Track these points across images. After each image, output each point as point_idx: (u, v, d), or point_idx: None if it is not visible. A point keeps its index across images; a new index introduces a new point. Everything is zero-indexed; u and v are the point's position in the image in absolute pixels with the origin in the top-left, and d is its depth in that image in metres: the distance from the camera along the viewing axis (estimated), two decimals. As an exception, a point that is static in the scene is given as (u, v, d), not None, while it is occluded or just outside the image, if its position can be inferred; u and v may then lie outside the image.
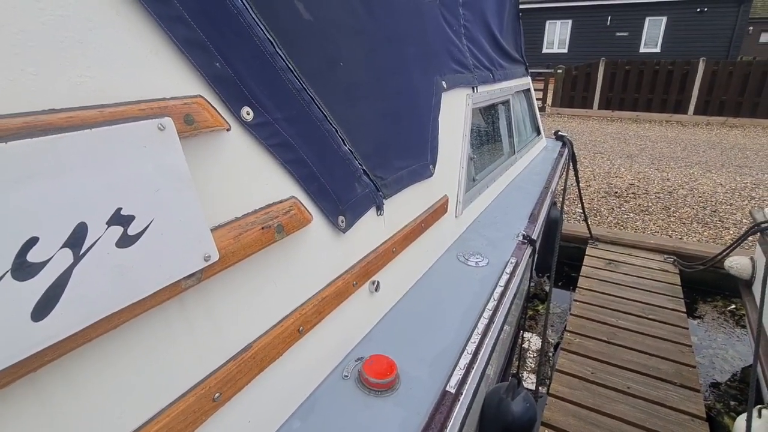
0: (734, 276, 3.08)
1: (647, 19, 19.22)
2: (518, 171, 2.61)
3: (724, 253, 3.30)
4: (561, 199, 3.67)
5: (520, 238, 1.72)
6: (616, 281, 3.61)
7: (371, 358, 0.98)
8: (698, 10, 18.05)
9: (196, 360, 0.67)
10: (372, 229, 1.13)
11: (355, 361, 1.02)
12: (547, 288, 4.22)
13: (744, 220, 4.86)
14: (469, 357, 1.03)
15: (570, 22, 20.58)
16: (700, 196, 5.68)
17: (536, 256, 1.78)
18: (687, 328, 2.98)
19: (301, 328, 0.86)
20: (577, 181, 3.96)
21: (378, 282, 1.13)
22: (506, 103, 2.50)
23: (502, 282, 1.37)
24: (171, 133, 0.57)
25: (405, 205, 1.30)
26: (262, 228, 0.74)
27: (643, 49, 19.45)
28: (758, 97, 10.80)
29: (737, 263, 3.03)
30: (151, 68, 0.61)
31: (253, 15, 0.75)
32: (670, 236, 4.52)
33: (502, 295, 1.31)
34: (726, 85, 11.01)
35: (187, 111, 0.61)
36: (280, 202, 0.82)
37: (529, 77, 3.09)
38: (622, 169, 7.07)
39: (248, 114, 0.75)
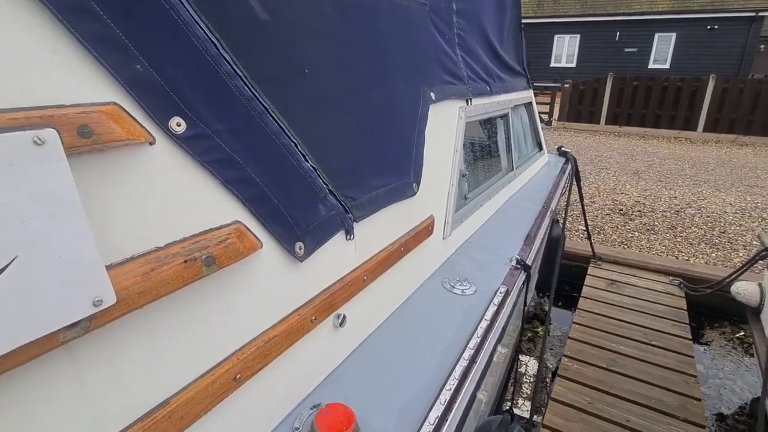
0: (741, 302, 2.93)
1: (656, 35, 19.16)
2: (517, 188, 2.49)
3: (732, 277, 3.16)
4: (563, 217, 3.55)
5: (513, 262, 1.60)
6: (618, 303, 3.46)
7: (327, 408, 0.86)
8: (709, 27, 17.96)
9: (90, 423, 0.56)
10: (339, 256, 1.02)
11: (309, 410, 0.90)
12: (547, 308, 4.07)
13: (754, 242, 4.69)
14: (442, 408, 0.91)
15: (578, 36, 20.57)
16: (708, 216, 5.52)
17: (530, 282, 1.65)
18: (692, 357, 2.83)
19: (238, 375, 0.74)
20: (581, 198, 3.83)
21: (344, 315, 1.01)
22: (505, 117, 2.39)
23: (489, 315, 1.25)
24: (53, 148, 0.47)
25: (381, 228, 1.19)
26: (186, 261, 0.63)
27: (652, 65, 19.36)
28: (769, 116, 10.63)
29: (745, 289, 2.89)
30: (46, 70, 0.51)
31: (192, 11, 0.66)
32: (677, 257, 4.37)
33: (488, 330, 1.19)
34: (737, 102, 10.85)
35: (83, 121, 0.51)
36: (218, 228, 0.71)
37: (531, 91, 3.00)
38: (628, 185, 6.92)
39: (179, 125, 0.65)
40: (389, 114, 1.21)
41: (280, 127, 0.83)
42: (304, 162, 0.89)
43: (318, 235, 0.92)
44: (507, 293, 1.38)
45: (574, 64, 21.00)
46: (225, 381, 0.72)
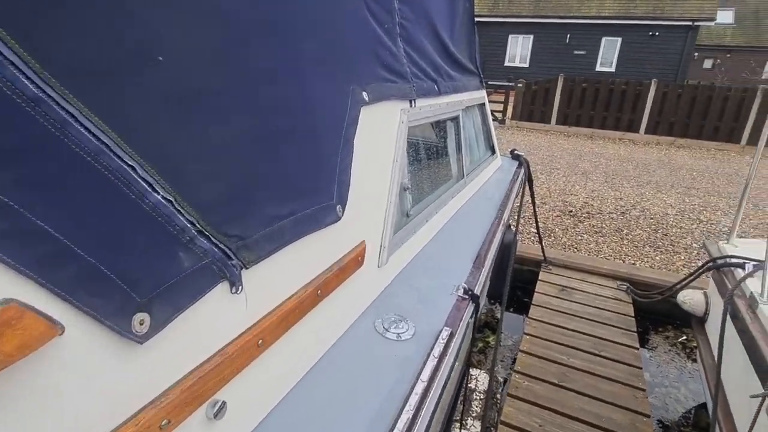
0: (687, 311, 2.93)
1: (603, 39, 19.97)
2: (468, 196, 2.30)
3: (679, 286, 3.15)
4: (515, 221, 3.44)
5: (460, 292, 1.39)
6: (568, 311, 3.39)
7: None
8: (650, 33, 18.93)
9: None
10: (219, 318, 0.74)
11: None
12: (499, 315, 3.97)
13: (693, 245, 4.84)
14: None
15: (531, 37, 21.07)
16: (651, 218, 5.67)
17: (479, 311, 1.44)
18: (641, 368, 2.78)
19: None
20: (533, 203, 3.74)
21: (222, 402, 0.74)
22: (455, 119, 2.19)
23: (426, 374, 1.02)
24: None
25: (288, 269, 0.92)
26: None
27: (599, 68, 20.17)
28: (704, 120, 11.28)
29: (690, 298, 2.88)
30: None
31: None
32: (623, 260, 4.41)
33: (424, 396, 0.96)
34: (675, 106, 11.43)
35: None
36: None
37: (484, 91, 2.82)
38: (577, 186, 7.04)
39: None
40: (303, 119, 0.94)
41: (104, 143, 0.54)
42: (152, 194, 0.61)
43: (176, 297, 0.64)
44: (451, 337, 1.16)
45: (527, 65, 21.50)
46: None
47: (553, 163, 8.66)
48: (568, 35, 20.26)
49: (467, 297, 1.36)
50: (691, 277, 2.93)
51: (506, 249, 3.29)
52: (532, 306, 3.46)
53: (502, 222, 2.19)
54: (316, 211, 0.97)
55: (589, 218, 5.53)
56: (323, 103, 1.01)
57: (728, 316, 2.12)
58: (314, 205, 0.97)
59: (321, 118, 1.00)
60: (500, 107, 13.26)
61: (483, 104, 2.83)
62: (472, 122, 2.62)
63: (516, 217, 3.42)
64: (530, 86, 12.87)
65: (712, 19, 18.19)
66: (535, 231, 4.83)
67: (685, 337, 3.65)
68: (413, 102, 1.52)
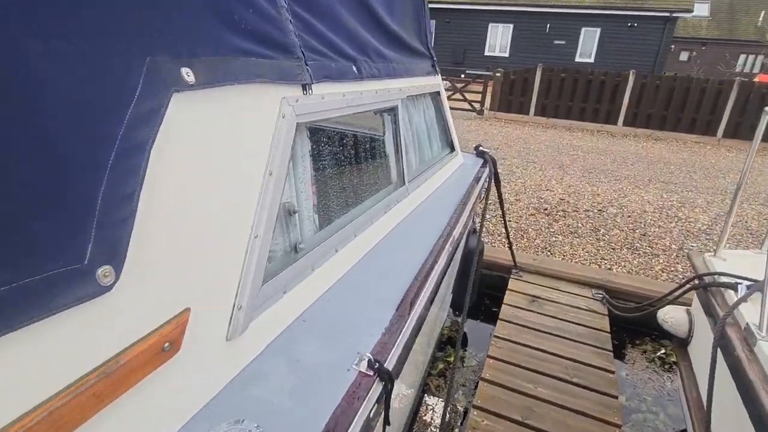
0: (667, 331, 2.59)
1: (583, 30, 19.76)
2: (413, 206, 1.87)
3: (660, 302, 2.82)
4: (480, 225, 3.05)
5: (364, 366, 0.96)
6: (539, 326, 3.04)
7: None
8: (629, 24, 18.78)
9: None
10: None
11: None
12: (465, 328, 3.60)
13: (672, 246, 4.55)
14: None
15: (512, 26, 20.71)
16: (629, 216, 5.37)
17: (391, 394, 1.01)
18: (616, 397, 2.44)
19: None
20: (501, 206, 3.35)
21: None
22: (392, 111, 1.75)
23: None
24: None
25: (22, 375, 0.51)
26: None
27: (578, 59, 19.99)
28: (681, 112, 11.13)
29: (671, 317, 2.54)
30: None
31: None
32: (599, 265, 4.08)
33: None
34: (653, 98, 11.25)
35: None
36: None
37: (439, 76, 2.39)
38: (554, 181, 6.72)
39: None
40: (22, 119, 0.50)
41: None
42: None
43: None
44: None
45: (507, 54, 21.18)
46: None
47: (530, 155, 8.34)
48: (548, 24, 19.97)
49: (373, 373, 0.94)
50: (672, 296, 2.59)
51: (471, 256, 2.90)
52: (498, 321, 3.09)
53: (456, 232, 1.78)
54: (37, 283, 0.53)
55: (564, 217, 5.20)
56: (72, 90, 0.56)
57: (718, 352, 1.77)
58: (40, 272, 0.53)
59: (66, 115, 0.56)
60: (479, 98, 12.87)
61: (438, 93, 2.40)
62: (422, 115, 2.19)
63: (480, 220, 3.03)
64: (508, 76, 12.51)
65: (690, 11, 18.15)
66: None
67: (663, 351, 3.34)
68: (308, 87, 1.08)
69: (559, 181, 6.72)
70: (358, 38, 1.39)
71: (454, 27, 21.38)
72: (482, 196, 2.83)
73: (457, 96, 13.14)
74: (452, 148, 2.56)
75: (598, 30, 19.46)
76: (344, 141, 1.47)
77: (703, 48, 27.61)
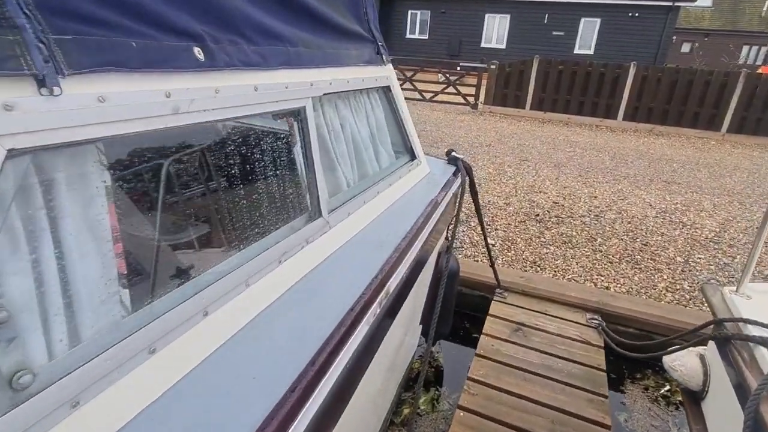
0: (675, 379, 2.12)
1: (582, 20, 19.15)
2: (340, 241, 1.36)
3: (664, 346, 2.34)
4: (450, 242, 2.57)
5: None
6: (522, 365, 2.57)
7: None
8: (630, 14, 18.19)
9: None
10: None
11: None
12: (441, 360, 3.14)
13: (677, 258, 4.08)
14: None
15: (509, 17, 20.09)
16: (629, 222, 4.90)
17: None
18: (612, 464, 1.98)
19: None
20: (480, 220, 2.87)
21: None
22: (296, 116, 1.28)
23: None
24: None
25: None
26: None
27: (577, 50, 19.40)
28: (683, 106, 10.62)
29: (681, 365, 2.06)
30: None
31: None
32: (595, 283, 3.61)
33: None
34: (654, 91, 10.73)
35: None
36: None
37: (389, 66, 1.88)
38: (548, 182, 6.23)
39: None
40: None
41: None
42: None
43: None
44: None
45: (504, 46, 20.59)
46: None
47: (524, 153, 7.84)
48: (547, 15, 19.36)
49: None
50: (686, 343, 2.10)
51: (442, 278, 2.43)
52: (475, 358, 2.62)
53: (386, 290, 1.31)
54: None
55: (558, 224, 4.72)
56: None
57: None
58: None
59: None
60: (473, 91, 12.33)
61: (387, 88, 1.89)
62: (363, 117, 1.68)
63: (451, 237, 2.55)
64: (504, 68, 11.95)
65: (693, 0, 17.55)
66: (491, 243, 4.00)
67: (668, 388, 2.88)
68: (52, 83, 0.59)
69: (553, 182, 6.23)
70: (216, 4, 0.90)
71: (449, 18, 20.74)
72: (451, 210, 2.36)
73: (451, 90, 12.61)
74: (413, 156, 2.07)
75: (598, 20, 18.86)
76: (192, 160, 0.98)
77: (706, 39, 26.97)
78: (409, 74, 12.85)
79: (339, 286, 1.16)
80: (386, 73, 1.85)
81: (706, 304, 3.16)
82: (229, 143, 1.08)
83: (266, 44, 1.05)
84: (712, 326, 1.87)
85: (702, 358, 2.05)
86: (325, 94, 1.34)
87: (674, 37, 22.29)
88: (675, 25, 18.68)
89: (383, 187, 1.68)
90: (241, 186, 1.12)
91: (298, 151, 1.22)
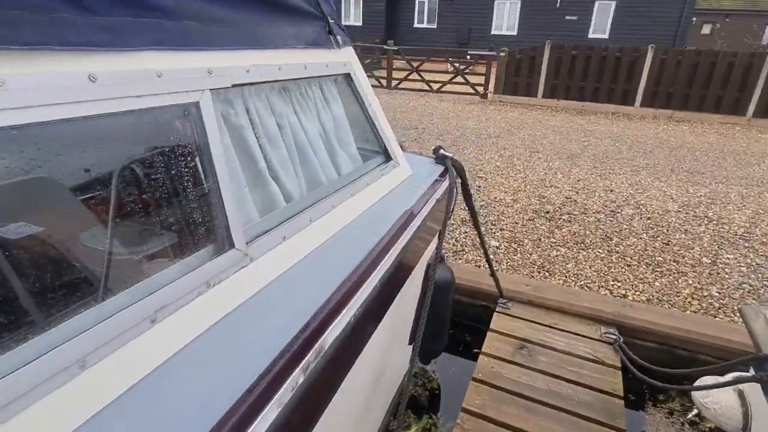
0: (709, 419, 1.78)
1: (597, 3, 18.38)
2: (268, 277, 1.04)
3: (692, 379, 1.99)
4: (436, 251, 2.24)
5: None
6: (526, 392, 2.25)
7: None
8: (647, -5, 17.35)
9: None
10: None
11: None
12: (437, 382, 2.83)
13: (704, 259, 3.68)
14: None
15: (519, 2, 19.39)
16: (648, 218, 4.49)
17: None
18: None
19: None
20: (475, 224, 2.53)
21: None
22: (187, 114, 0.93)
23: None
24: None
25: None
26: None
27: (592, 35, 18.64)
28: (705, 90, 9.99)
29: (715, 402, 1.72)
30: None
31: None
32: (610, 290, 3.24)
33: None
34: (674, 75, 10.12)
35: None
36: None
37: (349, 48, 1.53)
38: (560, 174, 5.83)
39: None
40: None
41: None
42: None
43: None
44: None
45: (515, 32, 19.91)
46: None
47: (535, 144, 7.42)
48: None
49: None
50: (715, 382, 1.75)
51: (438, 291, 2.13)
52: (471, 383, 2.31)
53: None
54: None
55: (569, 222, 4.34)
56: None
57: None
58: None
59: None
60: (482, 80, 11.85)
61: (347, 75, 1.55)
62: (314, 114, 1.36)
63: (437, 246, 2.23)
64: (514, 55, 11.44)
65: (715, -23, 16.62)
66: (495, 245, 3.66)
67: (696, 412, 2.52)
68: None
69: (566, 175, 5.83)
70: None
71: (457, 5, 20.13)
72: (440, 217, 2.03)
73: (459, 79, 12.14)
74: (388, 157, 1.74)
75: (614, 3, 18.05)
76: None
77: (727, 20, 25.74)
78: (415, 65, 12.41)
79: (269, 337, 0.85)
80: (343, 59, 1.51)
81: (739, 316, 2.79)
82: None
83: (120, 15, 0.75)
84: (755, 367, 1.52)
85: (741, 394, 1.70)
86: (235, 85, 1.02)
87: (694, 19, 21.29)
88: (694, 6, 17.78)
89: (342, 197, 1.36)
90: (102, 214, 0.82)
91: (200, 164, 0.91)
